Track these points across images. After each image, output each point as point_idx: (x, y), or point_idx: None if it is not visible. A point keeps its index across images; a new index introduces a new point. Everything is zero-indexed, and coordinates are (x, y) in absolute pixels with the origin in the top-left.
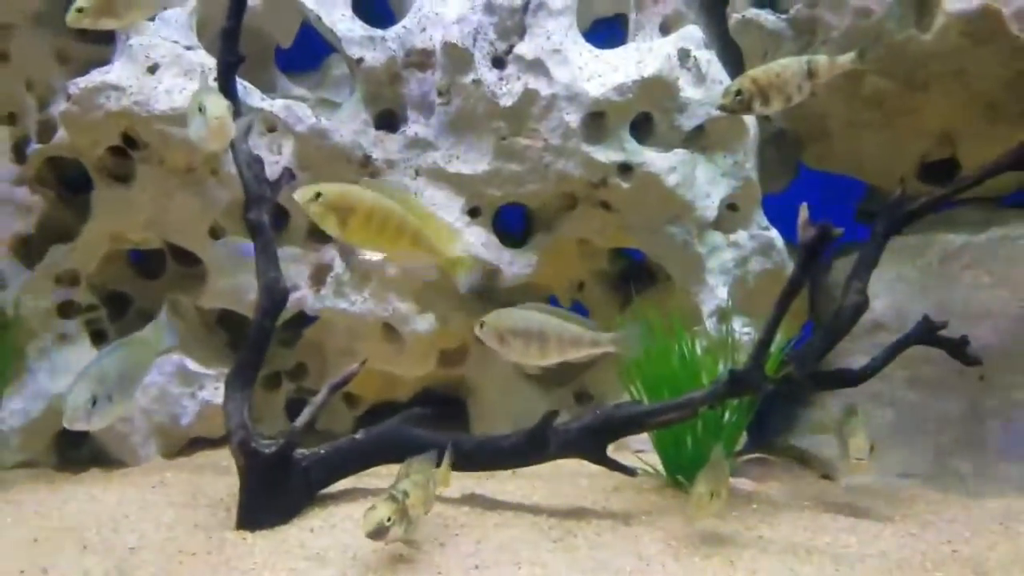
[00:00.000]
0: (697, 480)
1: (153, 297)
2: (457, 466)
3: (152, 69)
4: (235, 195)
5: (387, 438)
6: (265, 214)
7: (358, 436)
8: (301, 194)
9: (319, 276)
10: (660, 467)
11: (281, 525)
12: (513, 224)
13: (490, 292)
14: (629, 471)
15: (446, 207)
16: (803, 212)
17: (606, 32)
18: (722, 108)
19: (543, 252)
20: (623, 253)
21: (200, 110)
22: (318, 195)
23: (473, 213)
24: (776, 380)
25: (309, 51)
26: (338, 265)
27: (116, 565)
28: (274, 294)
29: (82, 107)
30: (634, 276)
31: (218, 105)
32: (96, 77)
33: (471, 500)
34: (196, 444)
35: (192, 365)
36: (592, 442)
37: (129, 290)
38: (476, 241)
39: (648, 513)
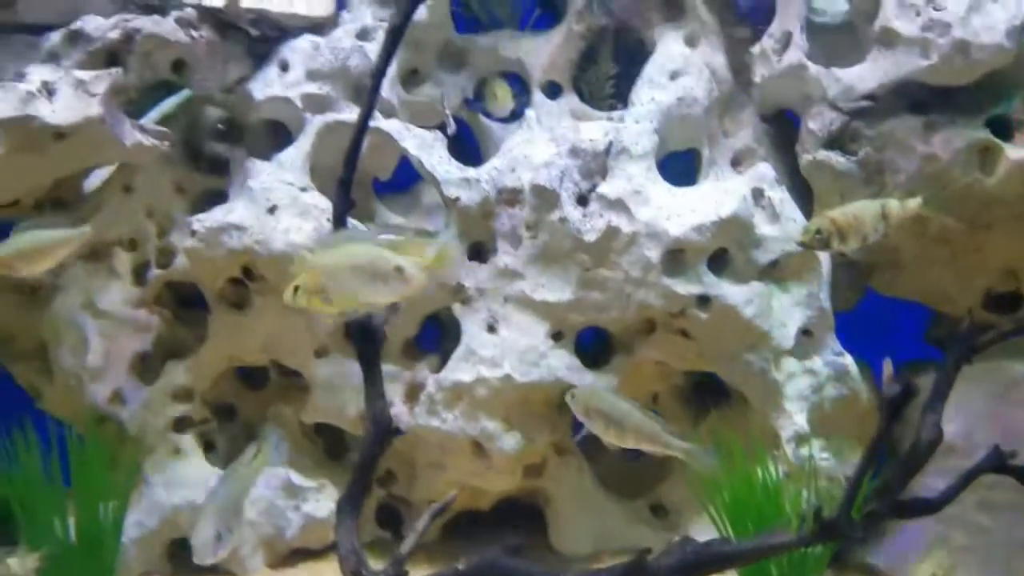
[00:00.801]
0: None
1: (257, 408)
2: None
3: (271, 210)
4: (340, 319)
5: (488, 569)
6: (373, 345)
7: (460, 567)
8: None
9: (412, 394)
10: None
11: None
12: (587, 341)
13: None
14: None
15: (531, 331)
16: (887, 368)
17: (680, 164)
18: (801, 244)
19: (623, 373)
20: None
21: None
22: (296, 288)
23: (556, 337)
24: (865, 523)
25: (400, 176)
26: (431, 384)
27: None
28: (381, 423)
29: (206, 244)
30: (708, 391)
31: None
32: (219, 216)
33: None
34: (297, 554)
35: (296, 479)
36: None
37: (235, 401)
38: (560, 364)
39: None
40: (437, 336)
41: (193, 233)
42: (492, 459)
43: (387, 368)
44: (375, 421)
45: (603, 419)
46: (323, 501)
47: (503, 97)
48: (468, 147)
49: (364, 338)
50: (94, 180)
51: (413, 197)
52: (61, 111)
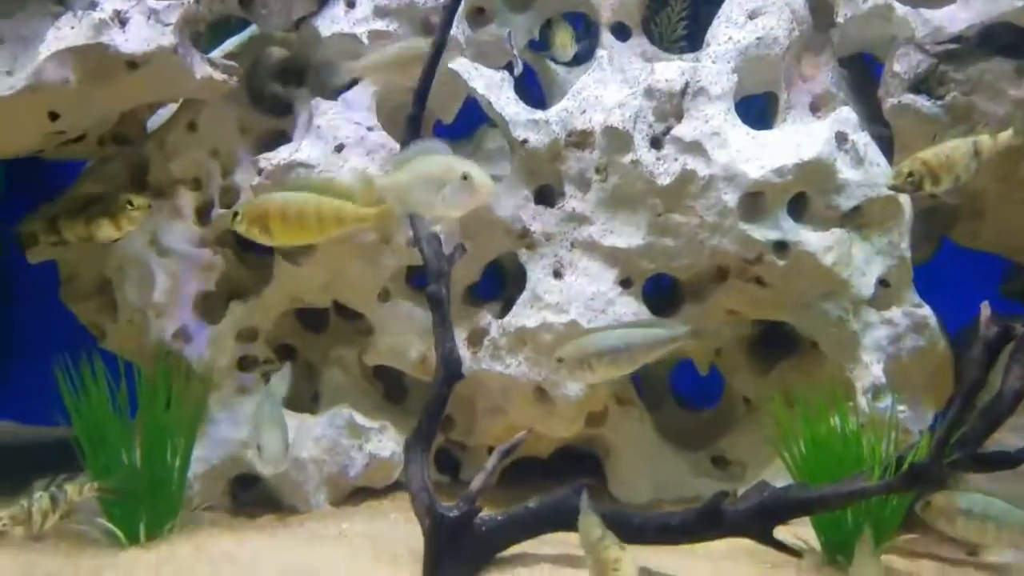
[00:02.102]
0: None
1: (317, 350)
2: (625, 539)
3: (338, 148)
4: (402, 263)
5: (559, 507)
6: (444, 288)
7: (531, 504)
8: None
9: (475, 339)
10: (816, 543)
11: None
12: (656, 289)
13: None
14: (795, 552)
15: (599, 277)
16: (985, 310)
17: (753, 109)
18: (892, 188)
19: (692, 322)
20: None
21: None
22: (236, 214)
23: (625, 284)
24: (949, 473)
25: (462, 120)
26: (495, 329)
27: None
28: (450, 364)
29: (273, 182)
30: (773, 343)
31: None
32: (286, 154)
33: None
34: (360, 493)
35: (360, 419)
36: (761, 524)
37: (296, 343)
38: (627, 312)
39: None
40: (498, 284)
41: (260, 171)
42: (555, 405)
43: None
44: (445, 362)
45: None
46: (386, 441)
47: (566, 42)
48: (531, 91)
49: (434, 279)
50: (156, 120)
51: (475, 142)
52: (134, 40)
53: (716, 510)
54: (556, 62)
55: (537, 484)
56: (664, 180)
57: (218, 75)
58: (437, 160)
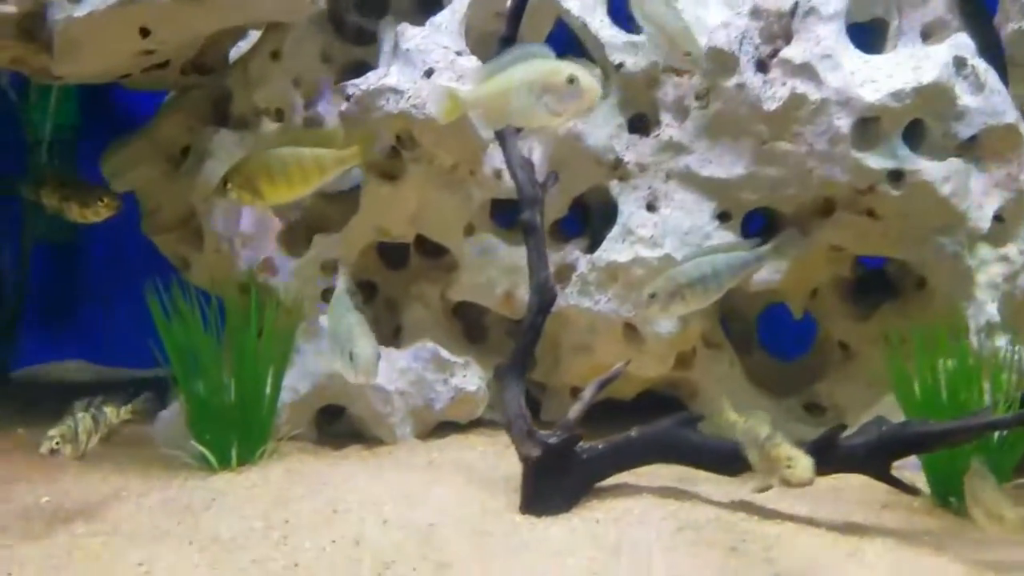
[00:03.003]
0: (990, 502)
1: (398, 286)
2: (735, 471)
3: (428, 73)
4: (488, 195)
5: (661, 438)
6: (538, 215)
7: (633, 434)
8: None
9: (563, 274)
10: (925, 484)
11: (563, 513)
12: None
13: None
14: (912, 490)
15: (695, 209)
16: None
17: (859, 36)
18: None
19: (793, 258)
20: (860, 261)
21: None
22: (226, 183)
23: (723, 217)
24: None
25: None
26: (583, 264)
27: (422, 541)
28: (545, 293)
29: (362, 107)
30: (872, 284)
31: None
32: (375, 80)
33: (743, 507)
34: (444, 428)
35: (444, 353)
36: (878, 459)
37: (377, 279)
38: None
39: (929, 534)
40: (582, 220)
41: (348, 97)
42: (645, 343)
43: None
44: (540, 290)
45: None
46: (471, 376)
47: None
48: (620, 15)
49: (528, 206)
50: (237, 52)
51: None
52: None
53: (832, 444)
54: None
55: (621, 428)
56: (771, 105)
57: None
58: (536, 64)
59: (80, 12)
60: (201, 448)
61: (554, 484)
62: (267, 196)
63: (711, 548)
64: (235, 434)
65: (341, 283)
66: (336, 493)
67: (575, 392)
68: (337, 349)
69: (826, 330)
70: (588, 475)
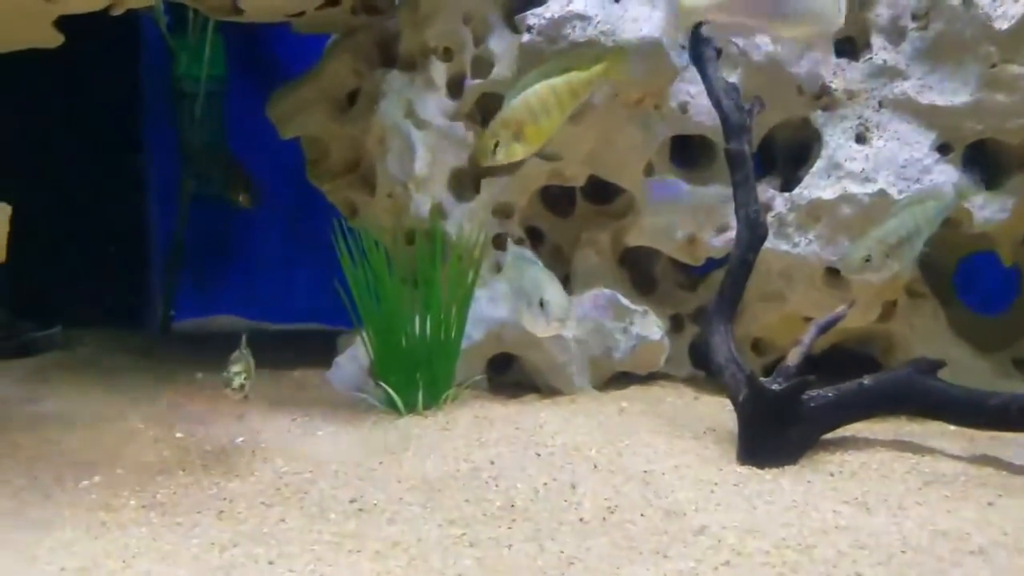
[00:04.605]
0: None
1: (565, 233)
2: (977, 424)
3: None
4: (673, 131)
5: (898, 386)
6: (746, 144)
7: (866, 381)
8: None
9: None
10: None
11: (789, 466)
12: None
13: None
14: None
15: (913, 141)
16: None
17: None
18: None
19: (1021, 196)
20: None
21: None
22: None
23: (943, 149)
24: None
25: None
26: (781, 203)
27: (642, 486)
28: (756, 228)
29: (546, 37)
30: None
31: None
32: (559, 7)
33: (989, 461)
34: (623, 378)
35: (624, 300)
36: None
37: (544, 226)
38: (946, 182)
39: None
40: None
41: (529, 28)
42: (849, 290)
43: (720, 189)
44: (751, 225)
45: None
46: (650, 325)
47: None
48: None
49: (735, 134)
50: None
51: None
52: None
53: None
54: None
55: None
56: (1002, 24)
57: None
58: None
59: None
60: (388, 390)
61: (776, 434)
62: (533, 140)
63: (966, 502)
64: (421, 378)
65: (512, 245)
66: (534, 437)
67: (757, 345)
68: (524, 300)
69: None
70: (814, 426)
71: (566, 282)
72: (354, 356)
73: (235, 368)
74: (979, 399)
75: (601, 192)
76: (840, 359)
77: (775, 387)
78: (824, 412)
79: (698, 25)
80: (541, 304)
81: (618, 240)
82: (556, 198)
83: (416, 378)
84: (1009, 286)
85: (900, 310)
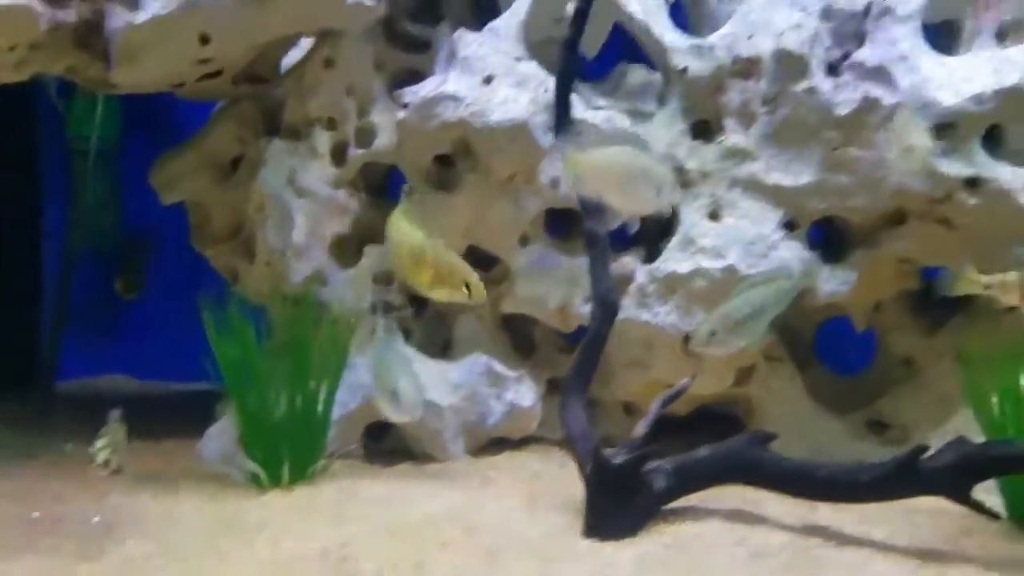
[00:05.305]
0: None
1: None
2: (807, 495)
3: (487, 80)
4: (545, 204)
5: (732, 458)
6: (602, 225)
7: (702, 453)
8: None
9: (619, 286)
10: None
11: (630, 538)
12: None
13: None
14: (993, 514)
15: (761, 218)
16: None
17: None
18: None
19: (862, 269)
20: (926, 273)
21: None
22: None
23: (789, 226)
24: None
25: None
26: (642, 275)
27: (485, 565)
28: (608, 304)
29: (420, 116)
30: (938, 299)
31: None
32: (433, 87)
33: (817, 531)
34: (497, 444)
35: (498, 367)
36: (960, 481)
37: None
38: (791, 257)
39: (1013, 562)
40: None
41: (405, 105)
42: (704, 358)
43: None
44: (603, 301)
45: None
46: (524, 391)
47: None
48: (682, 18)
49: (591, 216)
50: (288, 61)
51: (615, 80)
52: None
53: (912, 465)
54: None
55: (674, 446)
56: (842, 110)
57: (368, 0)
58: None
59: (140, 19)
60: (252, 466)
61: (619, 506)
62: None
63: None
64: (287, 451)
65: (382, 323)
66: (392, 514)
67: (628, 409)
68: (380, 386)
69: (889, 344)
70: (655, 497)
71: (447, 347)
72: (225, 427)
73: (100, 443)
74: (808, 471)
75: (483, 258)
76: (707, 420)
77: (618, 460)
78: (665, 484)
79: None
80: (394, 394)
81: (497, 306)
82: None
83: (282, 452)
84: (867, 348)
85: (757, 374)
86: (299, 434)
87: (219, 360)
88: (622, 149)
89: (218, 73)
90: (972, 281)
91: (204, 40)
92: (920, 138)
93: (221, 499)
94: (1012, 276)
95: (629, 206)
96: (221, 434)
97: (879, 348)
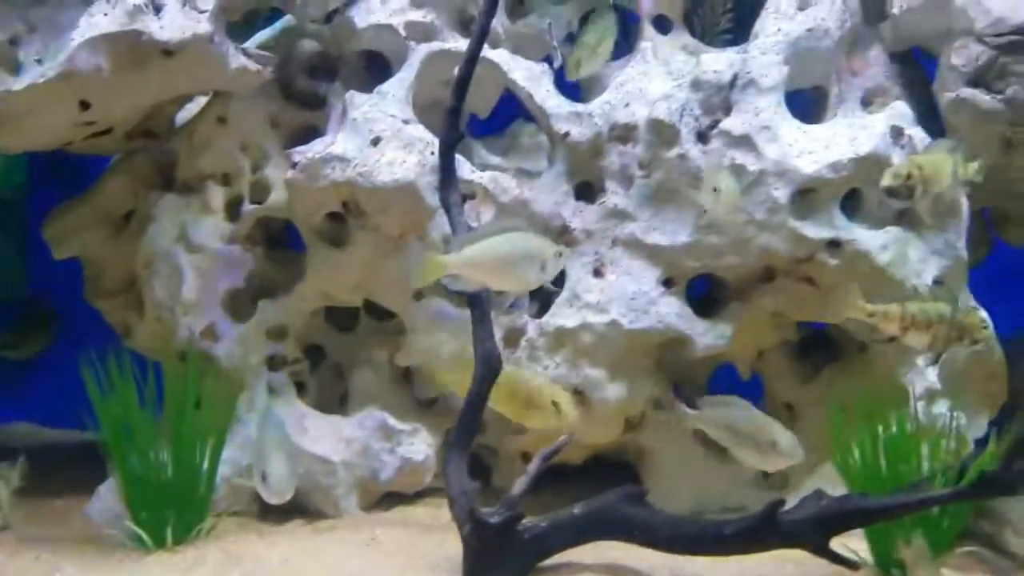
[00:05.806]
0: None
1: (346, 350)
2: (676, 549)
3: (375, 142)
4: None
5: (604, 514)
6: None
7: (576, 511)
8: None
9: (512, 339)
10: (868, 556)
11: None
12: (699, 288)
13: (677, 362)
14: (852, 564)
15: (641, 276)
16: None
17: (799, 104)
18: (888, 190)
19: (737, 324)
20: (804, 323)
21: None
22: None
23: (667, 283)
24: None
25: (494, 117)
26: (532, 329)
27: None
28: (490, 362)
29: (308, 175)
30: (816, 347)
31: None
32: (321, 147)
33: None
34: (390, 498)
35: (391, 421)
36: (818, 533)
37: (325, 343)
38: (670, 312)
39: None
40: None
41: (294, 164)
42: (593, 409)
43: None
44: (485, 360)
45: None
46: (418, 444)
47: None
48: (566, 85)
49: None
50: (184, 115)
51: (509, 138)
52: (168, 27)
53: (772, 519)
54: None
55: (568, 494)
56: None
57: (252, 66)
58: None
59: (18, 85)
60: (135, 528)
61: (496, 564)
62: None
63: None
64: (171, 512)
65: (267, 384)
66: None
67: (526, 457)
68: (255, 463)
69: (772, 391)
70: (531, 554)
71: (344, 400)
72: (112, 487)
73: None
74: (676, 526)
75: (382, 309)
76: (604, 465)
77: (494, 519)
78: (539, 541)
79: None
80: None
81: (393, 358)
82: (340, 314)
83: (167, 512)
84: (758, 394)
85: (647, 422)
86: (183, 494)
87: (101, 419)
88: (504, 238)
89: (108, 131)
90: (858, 307)
91: (84, 105)
92: (726, 182)
93: (102, 563)
94: (894, 307)
95: (514, 288)
96: (110, 493)
97: (765, 395)
